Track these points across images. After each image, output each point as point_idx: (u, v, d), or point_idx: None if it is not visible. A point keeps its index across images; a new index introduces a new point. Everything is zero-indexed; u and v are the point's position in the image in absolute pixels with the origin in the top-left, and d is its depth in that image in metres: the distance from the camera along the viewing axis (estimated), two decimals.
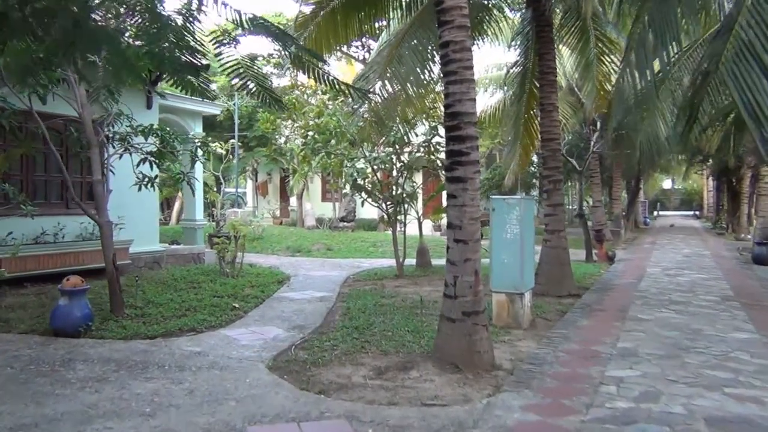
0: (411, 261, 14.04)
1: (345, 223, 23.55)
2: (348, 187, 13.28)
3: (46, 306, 7.93)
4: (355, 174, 11.98)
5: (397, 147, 12.14)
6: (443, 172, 10.32)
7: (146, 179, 9.18)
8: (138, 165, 8.97)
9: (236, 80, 7.00)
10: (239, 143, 24.01)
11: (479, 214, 6.07)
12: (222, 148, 22.79)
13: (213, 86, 22.02)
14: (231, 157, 23.93)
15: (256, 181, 33.37)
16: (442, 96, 6.45)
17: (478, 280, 5.96)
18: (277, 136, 24.96)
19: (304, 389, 5.07)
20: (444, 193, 7.89)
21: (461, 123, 5.94)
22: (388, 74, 10.50)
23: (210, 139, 22.89)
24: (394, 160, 12.57)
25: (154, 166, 8.96)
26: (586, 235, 16.83)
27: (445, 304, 6.06)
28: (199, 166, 13.70)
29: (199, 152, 9.19)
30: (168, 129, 9.09)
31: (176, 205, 24.05)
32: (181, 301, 8.86)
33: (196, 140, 9.16)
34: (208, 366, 5.76)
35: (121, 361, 5.81)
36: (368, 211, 25.97)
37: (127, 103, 8.70)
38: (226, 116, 25.32)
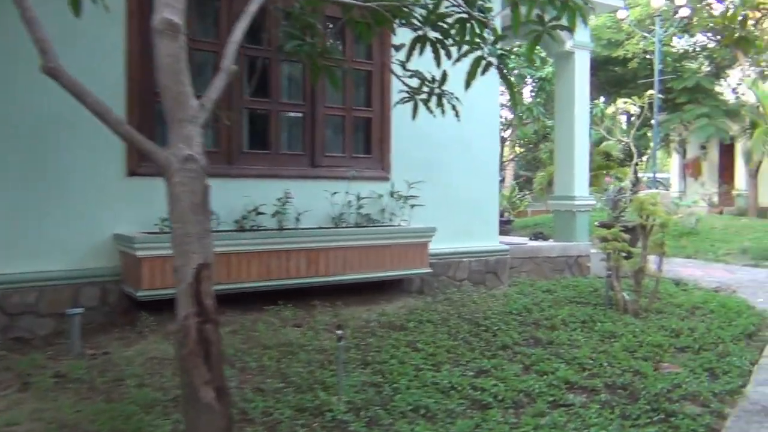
0: None
1: None
2: None
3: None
4: None
5: None
6: None
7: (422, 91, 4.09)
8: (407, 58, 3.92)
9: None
10: (661, 96, 16.59)
11: None
12: (636, 104, 15.79)
13: (624, 14, 15.65)
14: (649, 115, 16.17)
15: (684, 157, 25.01)
16: None
17: None
18: (726, 83, 16.58)
19: None
20: None
21: None
22: None
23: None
24: None
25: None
26: None
27: None
28: (580, 90, 7.90)
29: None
30: None
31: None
32: (482, 394, 3.30)
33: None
34: None
35: None
36: None
37: None
38: (641, 63, 18.16)
